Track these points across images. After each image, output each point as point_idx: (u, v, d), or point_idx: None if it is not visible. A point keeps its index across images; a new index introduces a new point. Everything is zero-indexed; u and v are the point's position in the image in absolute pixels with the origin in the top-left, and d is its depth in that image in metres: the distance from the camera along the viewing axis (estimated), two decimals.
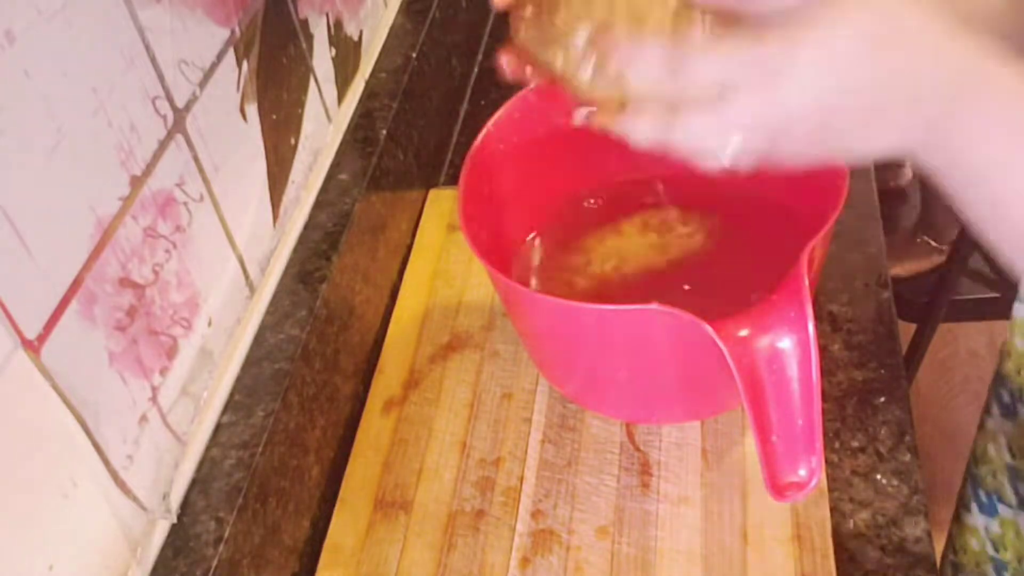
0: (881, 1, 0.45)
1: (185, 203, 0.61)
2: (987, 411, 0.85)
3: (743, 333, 0.55)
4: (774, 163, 0.47)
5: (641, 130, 0.47)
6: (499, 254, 0.75)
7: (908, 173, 1.78)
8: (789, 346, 0.55)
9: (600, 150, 0.73)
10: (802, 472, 0.54)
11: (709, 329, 0.54)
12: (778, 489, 0.54)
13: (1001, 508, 0.82)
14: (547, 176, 0.77)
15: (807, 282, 0.55)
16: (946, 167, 0.46)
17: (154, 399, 0.58)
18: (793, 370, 0.55)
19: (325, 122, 0.83)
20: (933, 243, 1.72)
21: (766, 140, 0.46)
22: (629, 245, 0.77)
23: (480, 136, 0.71)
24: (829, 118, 0.45)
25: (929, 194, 1.71)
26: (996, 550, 0.83)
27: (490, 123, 0.71)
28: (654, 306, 0.57)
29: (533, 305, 0.68)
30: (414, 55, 0.95)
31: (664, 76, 0.45)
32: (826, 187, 0.63)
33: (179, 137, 0.61)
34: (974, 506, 0.85)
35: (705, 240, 0.77)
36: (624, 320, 0.62)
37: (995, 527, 0.83)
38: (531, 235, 0.79)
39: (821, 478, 0.55)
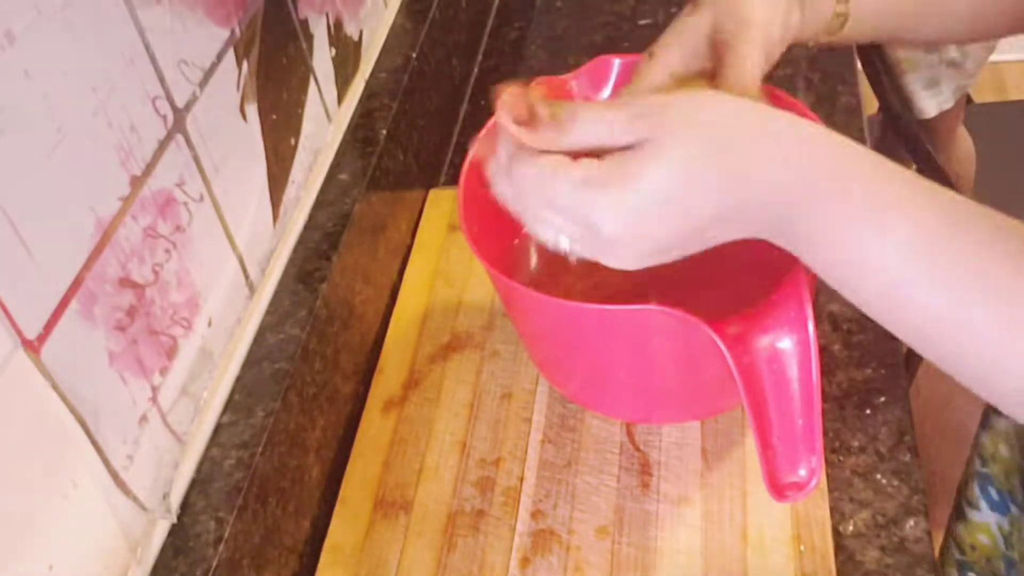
0: (711, 113, 0.46)
1: (185, 203, 0.61)
2: (996, 411, 0.84)
3: (743, 333, 0.55)
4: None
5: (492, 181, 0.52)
6: (499, 254, 0.75)
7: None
8: (789, 346, 0.55)
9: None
10: (802, 472, 0.54)
11: (709, 329, 0.54)
12: (778, 489, 0.54)
13: (1012, 507, 0.82)
14: None
15: (807, 282, 0.55)
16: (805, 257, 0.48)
17: (154, 399, 0.58)
18: (793, 370, 0.55)
19: (325, 122, 0.83)
20: None
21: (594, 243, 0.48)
22: None
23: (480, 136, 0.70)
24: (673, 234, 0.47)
25: None
26: (1008, 547, 0.83)
27: (490, 123, 0.71)
28: (654, 306, 0.57)
29: (533, 305, 0.67)
30: (414, 55, 0.95)
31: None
32: None
33: (179, 137, 0.61)
34: (983, 503, 0.85)
35: None
36: (624, 320, 0.62)
37: (1006, 524, 0.83)
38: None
39: (821, 478, 0.55)
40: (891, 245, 0.44)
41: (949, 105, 1.49)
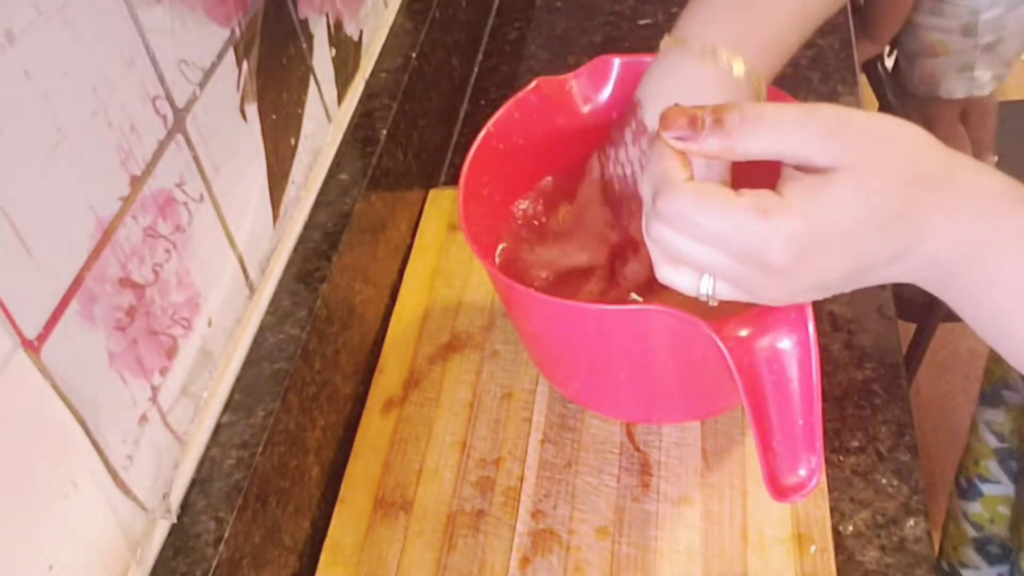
0: (901, 144, 0.43)
1: (185, 203, 0.61)
2: (1008, 387, 0.85)
3: (743, 333, 0.55)
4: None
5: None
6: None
7: None
8: (789, 346, 0.55)
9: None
10: (802, 472, 0.54)
11: (709, 329, 0.54)
12: (778, 489, 0.54)
13: (986, 488, 0.82)
14: (547, 176, 0.77)
15: None
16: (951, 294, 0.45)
17: (154, 399, 0.58)
18: (793, 370, 0.55)
19: (325, 122, 0.83)
20: None
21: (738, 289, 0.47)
22: (631, 245, 0.77)
23: (480, 136, 0.71)
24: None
25: None
26: (978, 530, 0.84)
27: (490, 123, 0.71)
28: (654, 306, 0.57)
29: (533, 305, 0.67)
30: (414, 55, 0.95)
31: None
32: None
33: (179, 137, 0.61)
34: (1004, 476, 0.87)
35: None
36: (624, 320, 0.62)
37: (976, 508, 0.84)
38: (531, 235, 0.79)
39: (821, 478, 0.55)
40: None
41: (985, 92, 1.49)
